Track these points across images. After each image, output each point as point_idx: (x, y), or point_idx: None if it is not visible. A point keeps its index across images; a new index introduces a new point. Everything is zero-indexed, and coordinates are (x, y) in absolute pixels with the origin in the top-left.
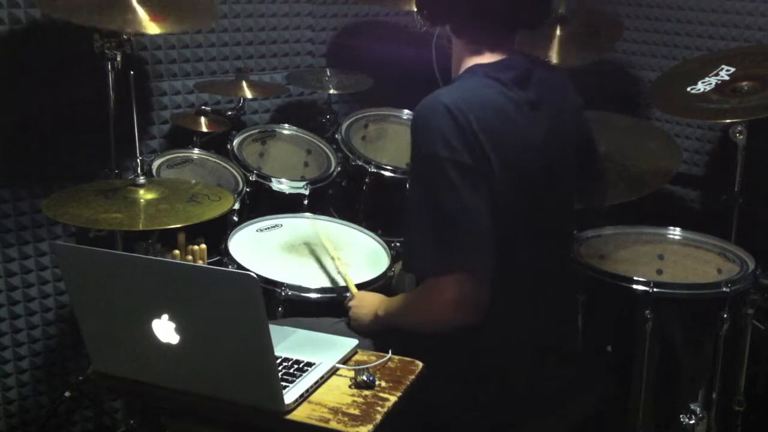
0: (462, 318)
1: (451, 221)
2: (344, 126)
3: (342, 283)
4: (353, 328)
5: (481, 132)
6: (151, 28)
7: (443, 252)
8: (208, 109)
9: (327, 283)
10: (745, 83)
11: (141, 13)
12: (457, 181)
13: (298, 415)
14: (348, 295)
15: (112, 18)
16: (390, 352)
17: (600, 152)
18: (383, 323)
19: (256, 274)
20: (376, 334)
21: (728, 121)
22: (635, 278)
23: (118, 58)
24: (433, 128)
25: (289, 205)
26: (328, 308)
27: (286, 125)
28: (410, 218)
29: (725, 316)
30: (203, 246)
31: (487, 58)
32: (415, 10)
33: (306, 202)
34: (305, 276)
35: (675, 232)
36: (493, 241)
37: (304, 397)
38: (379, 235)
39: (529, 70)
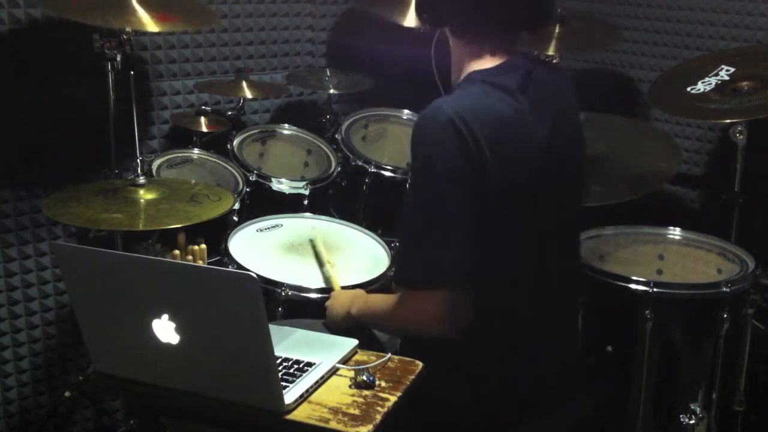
0: (442, 332)
1: (442, 234)
2: (344, 126)
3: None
4: (326, 325)
5: (483, 142)
6: (151, 26)
7: (431, 266)
8: (208, 109)
9: (327, 284)
10: (745, 83)
11: (141, 12)
12: (452, 193)
13: (298, 415)
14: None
15: (113, 17)
16: (389, 352)
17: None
18: (356, 322)
19: (256, 274)
20: (348, 332)
21: (728, 121)
22: (635, 278)
23: (118, 58)
24: (432, 139)
25: (289, 205)
26: None
27: (286, 125)
28: (403, 230)
29: (725, 316)
30: (203, 246)
31: (488, 61)
32: (415, 11)
33: (306, 202)
34: (305, 276)
35: (675, 232)
36: (481, 255)
37: (304, 397)
38: (379, 235)
39: (530, 72)
